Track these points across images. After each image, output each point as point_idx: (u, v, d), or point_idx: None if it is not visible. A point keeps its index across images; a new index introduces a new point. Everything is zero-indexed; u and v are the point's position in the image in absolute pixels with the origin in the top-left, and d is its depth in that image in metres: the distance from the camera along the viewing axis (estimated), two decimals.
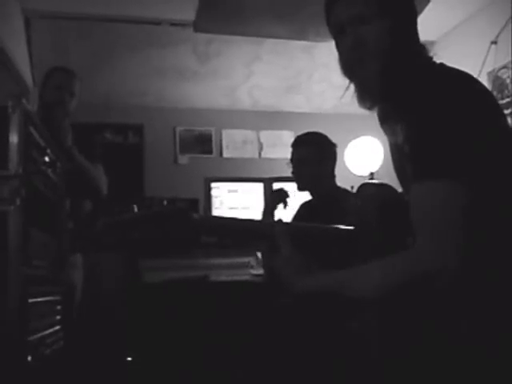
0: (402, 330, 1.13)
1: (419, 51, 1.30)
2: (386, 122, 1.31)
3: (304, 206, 2.78)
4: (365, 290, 1.10)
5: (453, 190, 1.02)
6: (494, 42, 3.70)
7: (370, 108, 1.31)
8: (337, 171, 2.70)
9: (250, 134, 4.92)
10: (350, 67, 1.31)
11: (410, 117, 1.12)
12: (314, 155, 2.62)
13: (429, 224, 1.03)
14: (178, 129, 4.76)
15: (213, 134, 4.85)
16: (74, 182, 2.63)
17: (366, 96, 1.29)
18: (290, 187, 4.08)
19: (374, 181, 2.62)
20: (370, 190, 1.42)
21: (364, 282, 1.11)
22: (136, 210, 1.47)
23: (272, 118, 4.94)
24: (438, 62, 1.30)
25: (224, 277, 3.14)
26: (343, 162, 4.11)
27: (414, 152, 1.09)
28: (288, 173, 3.86)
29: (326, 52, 3.71)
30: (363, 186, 1.41)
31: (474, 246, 1.03)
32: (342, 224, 1.50)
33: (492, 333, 1.03)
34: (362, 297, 1.11)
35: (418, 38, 1.32)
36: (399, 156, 1.22)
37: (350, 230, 1.45)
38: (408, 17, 1.30)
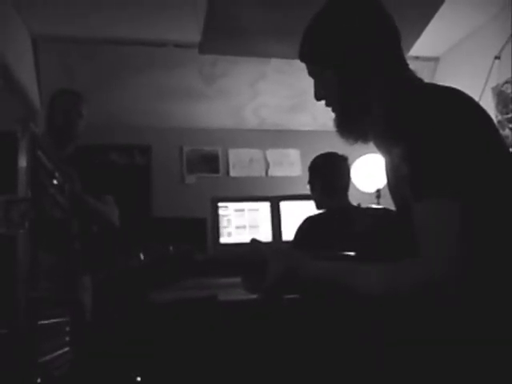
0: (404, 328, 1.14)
1: (394, 79, 1.32)
2: (380, 145, 1.34)
3: (309, 221, 2.80)
4: (370, 288, 1.13)
5: (451, 207, 1.06)
6: (498, 57, 3.71)
7: (351, 143, 1.39)
8: None
9: (256, 152, 4.93)
10: None
11: (405, 140, 1.14)
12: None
13: (431, 239, 1.07)
14: (185, 149, 4.78)
15: (219, 153, 4.87)
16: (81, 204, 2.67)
17: (340, 135, 1.39)
18: (297, 205, 4.11)
19: (373, 206, 2.69)
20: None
21: (370, 280, 1.13)
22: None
23: (278, 137, 4.96)
24: (419, 80, 1.33)
25: (233, 296, 3.13)
26: None
27: (412, 173, 1.11)
28: (294, 191, 3.91)
29: None
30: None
31: (478, 256, 1.06)
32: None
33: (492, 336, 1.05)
34: (365, 292, 1.14)
35: (390, 66, 1.33)
36: (395, 176, 1.24)
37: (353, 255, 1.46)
38: (359, 58, 1.31)
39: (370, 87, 1.32)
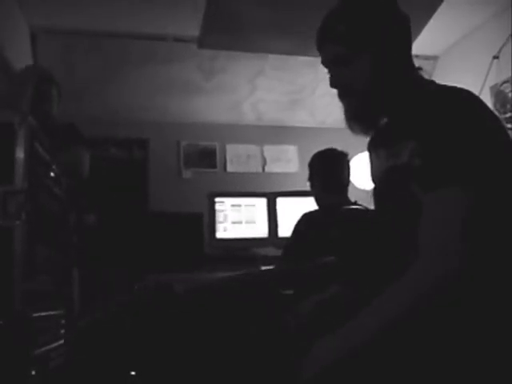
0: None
1: (408, 74, 1.36)
2: (382, 145, 1.34)
3: (305, 217, 2.81)
4: (387, 319, 1.09)
5: (461, 196, 1.05)
6: (496, 57, 3.72)
7: (358, 134, 1.39)
8: None
9: (253, 148, 4.93)
10: (339, 98, 1.42)
11: (421, 133, 1.15)
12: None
13: (433, 233, 1.06)
14: (182, 143, 4.78)
15: (217, 148, 4.86)
16: (78, 196, 2.66)
17: (351, 125, 1.39)
18: (294, 202, 4.11)
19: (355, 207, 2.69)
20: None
21: (382, 315, 1.10)
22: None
23: (276, 133, 4.96)
24: (429, 79, 1.35)
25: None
26: None
27: (426, 163, 1.11)
28: (291, 187, 3.89)
29: None
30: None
31: (483, 250, 1.05)
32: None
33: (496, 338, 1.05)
34: (391, 321, 1.09)
35: (406, 61, 1.37)
36: (398, 176, 1.23)
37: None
38: (391, 46, 1.34)
39: (397, 77, 1.33)
